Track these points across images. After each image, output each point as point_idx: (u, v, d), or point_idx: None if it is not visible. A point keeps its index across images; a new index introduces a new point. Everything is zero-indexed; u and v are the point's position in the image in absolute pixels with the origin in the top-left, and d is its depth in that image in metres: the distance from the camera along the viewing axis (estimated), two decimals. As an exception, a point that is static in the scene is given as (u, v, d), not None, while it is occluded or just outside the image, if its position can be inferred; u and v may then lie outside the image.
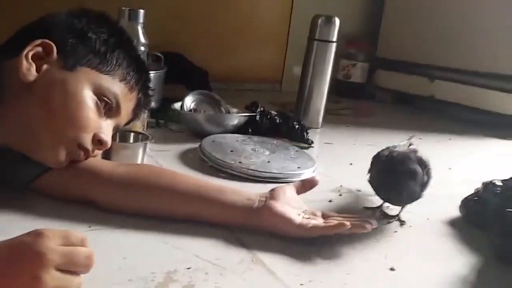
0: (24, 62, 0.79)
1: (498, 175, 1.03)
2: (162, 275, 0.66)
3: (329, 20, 1.68)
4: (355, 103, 2.36)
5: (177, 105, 1.45)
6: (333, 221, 0.80)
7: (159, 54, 1.64)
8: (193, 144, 1.31)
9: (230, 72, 2.35)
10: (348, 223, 0.78)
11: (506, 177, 1.02)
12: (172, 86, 1.71)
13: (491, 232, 0.89)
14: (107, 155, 0.95)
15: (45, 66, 0.81)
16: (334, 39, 1.69)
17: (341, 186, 1.13)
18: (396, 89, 2.50)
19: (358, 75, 2.58)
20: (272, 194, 0.84)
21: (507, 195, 0.95)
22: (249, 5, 2.40)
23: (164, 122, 1.46)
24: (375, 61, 2.59)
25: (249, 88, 2.37)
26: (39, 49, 0.81)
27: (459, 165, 1.11)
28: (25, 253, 0.53)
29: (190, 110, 1.46)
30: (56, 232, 0.55)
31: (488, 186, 1.00)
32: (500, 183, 0.99)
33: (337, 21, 1.68)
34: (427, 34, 2.35)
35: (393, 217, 0.97)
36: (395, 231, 0.92)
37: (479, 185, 1.03)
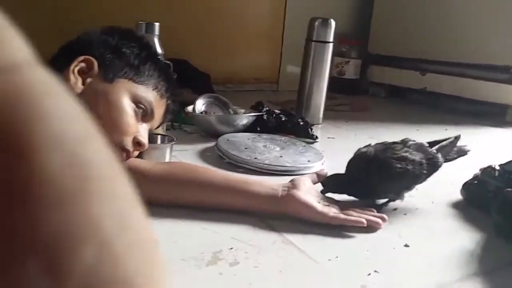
0: (72, 77, 0.89)
1: (494, 161, 1.12)
2: (210, 255, 0.75)
3: (325, 22, 1.78)
4: (350, 99, 2.45)
5: (189, 108, 1.54)
6: (352, 217, 0.90)
7: (168, 62, 1.71)
8: (208, 144, 1.40)
9: (229, 74, 2.44)
10: (365, 221, 0.88)
11: (502, 162, 1.11)
12: (179, 90, 1.79)
13: (491, 211, 0.98)
14: (138, 155, 1.03)
15: (88, 80, 0.91)
16: (331, 39, 1.79)
17: (349, 176, 1.22)
18: (389, 83, 2.60)
19: (352, 72, 2.68)
20: (293, 184, 0.93)
21: (504, 177, 1.05)
22: (243, 9, 2.49)
23: (179, 124, 1.55)
24: (367, 57, 2.68)
25: (247, 89, 2.46)
26: (83, 64, 0.92)
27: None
28: None
29: (202, 112, 1.54)
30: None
31: (487, 170, 1.09)
32: (498, 167, 1.08)
33: (333, 23, 1.78)
34: (416, 28, 2.44)
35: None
36: (405, 214, 1.01)
37: (477, 170, 1.12)
